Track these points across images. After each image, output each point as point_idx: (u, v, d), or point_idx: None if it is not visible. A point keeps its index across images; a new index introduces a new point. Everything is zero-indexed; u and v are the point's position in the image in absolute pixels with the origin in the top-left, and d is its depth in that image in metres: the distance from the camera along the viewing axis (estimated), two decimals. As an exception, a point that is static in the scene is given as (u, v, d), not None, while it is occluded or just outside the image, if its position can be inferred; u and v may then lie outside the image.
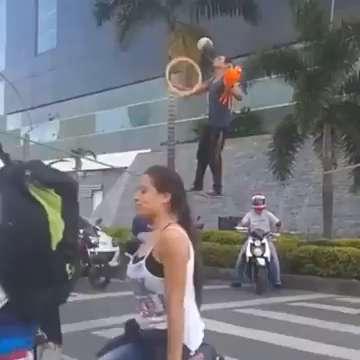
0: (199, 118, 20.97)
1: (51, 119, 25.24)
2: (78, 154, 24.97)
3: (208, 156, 6.60)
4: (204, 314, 2.46)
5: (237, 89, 6.59)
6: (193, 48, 11.88)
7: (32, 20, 36.87)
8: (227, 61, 6.67)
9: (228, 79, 6.33)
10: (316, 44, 12.53)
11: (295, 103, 12.48)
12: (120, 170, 23.10)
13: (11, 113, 37.33)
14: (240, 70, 6.46)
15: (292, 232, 13.74)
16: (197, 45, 6.91)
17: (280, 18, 15.75)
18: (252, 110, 22.22)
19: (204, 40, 6.88)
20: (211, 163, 6.64)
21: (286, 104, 15.24)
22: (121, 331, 2.62)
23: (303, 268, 10.31)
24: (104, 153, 24.11)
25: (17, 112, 33.80)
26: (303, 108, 12.03)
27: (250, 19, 16.02)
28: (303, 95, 12.15)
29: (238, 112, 20.39)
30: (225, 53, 6.75)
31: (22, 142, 23.79)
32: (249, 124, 21.67)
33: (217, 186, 6.72)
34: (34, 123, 22.18)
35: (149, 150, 24.59)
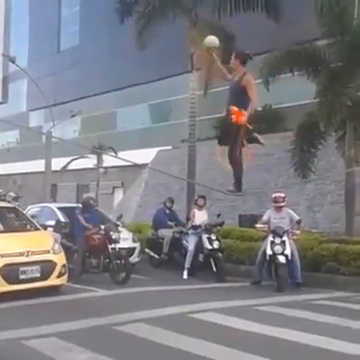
0: (220, 115, 20.90)
1: (73, 116, 25.40)
2: (100, 150, 25.11)
3: (228, 152, 6.40)
4: (224, 311, 2.47)
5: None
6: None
7: (55, 17, 37.07)
8: (236, 57, 6.29)
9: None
10: (340, 41, 12.40)
11: (318, 100, 12.38)
12: (141, 167, 23.16)
13: (33, 110, 37.67)
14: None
15: (313, 230, 13.64)
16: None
17: (303, 14, 15.62)
18: (274, 107, 22.10)
19: (208, 39, 6.27)
20: (230, 159, 6.40)
21: (308, 101, 15.12)
22: (141, 326, 2.65)
23: (324, 266, 10.21)
24: (124, 150, 24.18)
25: (39, 109, 34.09)
26: (326, 105, 11.94)
27: (273, 16, 15.91)
28: (326, 92, 12.06)
29: (259, 109, 20.26)
30: (248, 50, 6.48)
31: (44, 138, 24.09)
32: (270, 121, 21.50)
33: (237, 184, 6.63)
34: (56, 120, 22.37)
35: (170, 147, 24.63)
